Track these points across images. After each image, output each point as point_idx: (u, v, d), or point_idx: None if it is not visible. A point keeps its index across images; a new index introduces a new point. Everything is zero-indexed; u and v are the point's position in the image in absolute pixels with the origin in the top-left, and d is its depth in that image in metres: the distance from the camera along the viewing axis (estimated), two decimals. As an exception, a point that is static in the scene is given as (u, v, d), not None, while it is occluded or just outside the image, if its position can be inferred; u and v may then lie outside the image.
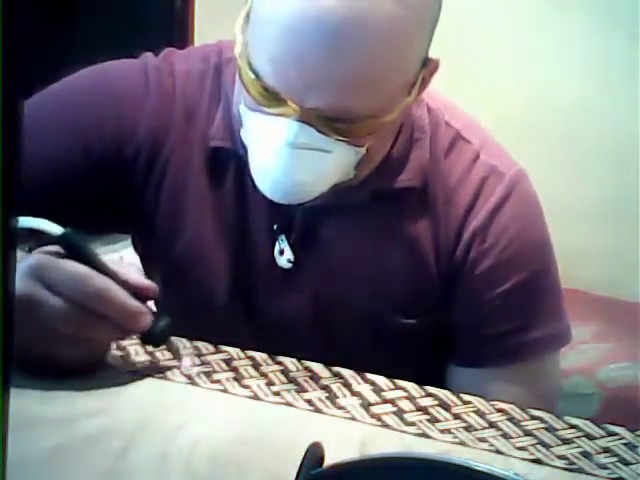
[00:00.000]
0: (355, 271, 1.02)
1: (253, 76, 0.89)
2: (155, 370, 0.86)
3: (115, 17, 2.48)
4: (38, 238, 0.83)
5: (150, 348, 0.89)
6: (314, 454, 0.62)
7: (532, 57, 2.55)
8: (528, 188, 1.05)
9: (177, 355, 0.89)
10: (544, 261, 1.05)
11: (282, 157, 0.88)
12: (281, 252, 1.02)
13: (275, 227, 1.02)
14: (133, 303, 0.81)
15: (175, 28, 2.64)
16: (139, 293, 0.83)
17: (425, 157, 1.01)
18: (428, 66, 0.94)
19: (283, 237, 1.02)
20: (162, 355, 0.89)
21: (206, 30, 2.61)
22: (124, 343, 0.89)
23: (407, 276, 1.02)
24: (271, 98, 0.88)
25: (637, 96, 2.42)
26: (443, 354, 1.04)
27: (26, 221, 0.79)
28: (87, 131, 1.01)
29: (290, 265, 1.02)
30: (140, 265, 1.10)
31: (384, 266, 1.02)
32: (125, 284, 0.81)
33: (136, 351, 0.89)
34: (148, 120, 1.02)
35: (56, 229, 0.81)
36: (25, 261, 0.80)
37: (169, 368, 0.87)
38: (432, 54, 0.94)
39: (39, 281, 0.79)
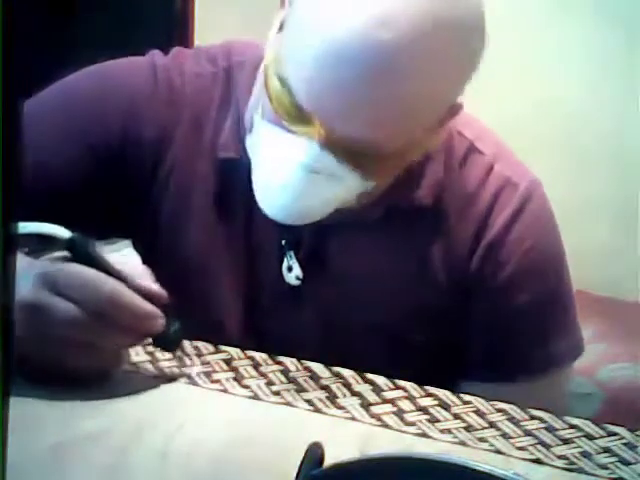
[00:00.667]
0: (365, 289, 1.00)
1: (283, 89, 0.86)
2: (156, 370, 0.86)
3: (115, 17, 2.48)
4: (43, 243, 0.83)
5: (150, 349, 0.89)
6: (314, 454, 0.62)
7: (532, 57, 2.55)
8: (542, 199, 1.02)
9: (187, 360, 0.89)
10: (560, 273, 1.03)
11: (294, 178, 0.86)
12: (289, 269, 0.99)
13: (283, 243, 0.99)
14: (146, 307, 0.80)
15: (175, 28, 2.64)
16: (150, 299, 0.81)
17: (440, 173, 0.99)
18: (453, 109, 0.92)
19: (292, 253, 0.99)
20: (162, 355, 0.89)
21: (206, 30, 2.61)
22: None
23: (419, 294, 1.00)
24: (297, 116, 0.85)
25: (637, 96, 2.42)
26: (455, 370, 1.02)
27: (33, 226, 0.79)
28: (93, 130, 0.99)
29: (299, 282, 0.99)
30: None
31: (394, 283, 1.00)
32: (136, 288, 0.80)
33: (136, 351, 0.88)
34: (156, 119, 1.00)
35: (64, 233, 0.80)
36: (33, 269, 0.79)
37: (169, 368, 0.87)
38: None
39: (48, 288, 0.77)
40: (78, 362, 0.79)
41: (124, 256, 0.87)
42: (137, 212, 1.02)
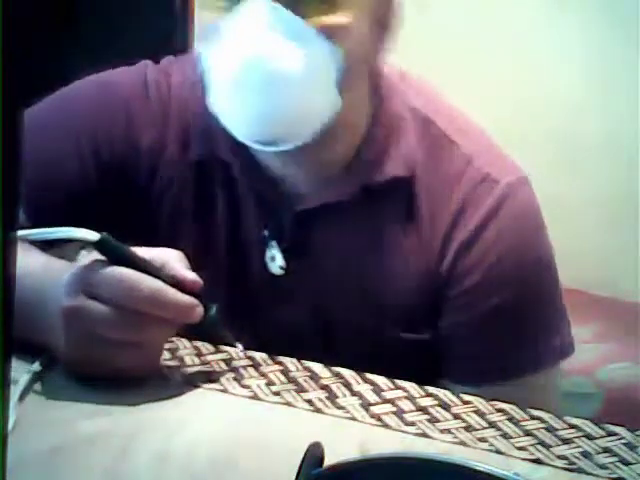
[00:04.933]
0: (346, 279, 1.00)
1: None
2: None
3: (115, 18, 2.49)
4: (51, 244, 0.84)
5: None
6: (314, 454, 0.62)
7: (531, 57, 2.55)
8: (525, 198, 0.99)
9: (229, 340, 0.90)
10: (537, 279, 1.00)
11: (256, 45, 0.87)
12: (272, 258, 1.00)
13: (266, 233, 1.00)
14: (185, 299, 0.81)
15: (175, 30, 2.64)
16: (184, 287, 0.82)
17: (410, 146, 0.97)
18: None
19: (274, 243, 1.00)
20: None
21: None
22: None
23: (396, 287, 0.99)
24: None
25: (637, 96, 2.42)
26: (438, 369, 1.01)
27: (61, 232, 0.80)
28: (98, 136, 1.01)
29: (282, 272, 1.00)
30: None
31: (374, 273, 0.99)
32: (171, 279, 0.81)
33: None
34: (150, 130, 1.02)
35: (93, 235, 0.80)
36: (66, 274, 0.80)
37: (169, 367, 0.87)
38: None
39: (84, 292, 0.78)
40: (125, 362, 0.80)
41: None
42: (134, 219, 1.02)
